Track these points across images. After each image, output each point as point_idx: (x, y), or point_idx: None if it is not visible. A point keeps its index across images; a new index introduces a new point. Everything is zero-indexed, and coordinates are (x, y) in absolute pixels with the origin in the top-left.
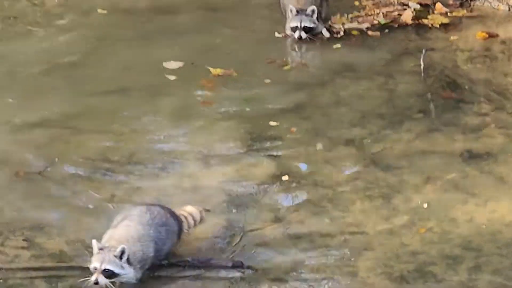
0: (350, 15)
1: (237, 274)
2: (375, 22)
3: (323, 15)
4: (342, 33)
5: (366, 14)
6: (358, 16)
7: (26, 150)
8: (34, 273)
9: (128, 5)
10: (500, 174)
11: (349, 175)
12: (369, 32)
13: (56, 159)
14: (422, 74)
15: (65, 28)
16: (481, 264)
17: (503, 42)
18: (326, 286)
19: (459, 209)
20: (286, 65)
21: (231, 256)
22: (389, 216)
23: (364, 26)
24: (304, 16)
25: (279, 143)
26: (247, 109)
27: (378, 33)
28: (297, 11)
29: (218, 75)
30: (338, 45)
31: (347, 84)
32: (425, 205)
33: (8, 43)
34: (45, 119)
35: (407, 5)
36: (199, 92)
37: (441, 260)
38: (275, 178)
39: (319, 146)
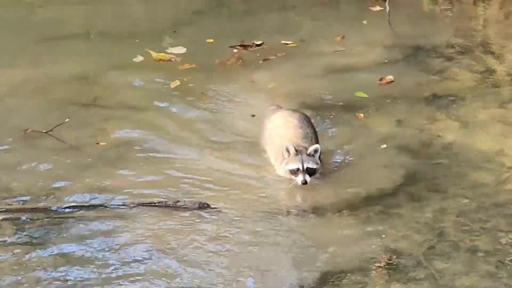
0: None
1: None
2: None
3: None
4: None
5: None
6: None
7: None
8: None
9: None
10: (463, 116)
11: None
12: None
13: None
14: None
15: None
16: (446, 206)
17: None
18: (295, 222)
19: (423, 150)
20: None
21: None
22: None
23: None
24: (305, 156)
25: None
26: None
27: None
28: (296, 150)
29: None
30: None
31: None
32: (384, 146)
33: None
34: None
35: None
36: None
37: (407, 202)
38: None
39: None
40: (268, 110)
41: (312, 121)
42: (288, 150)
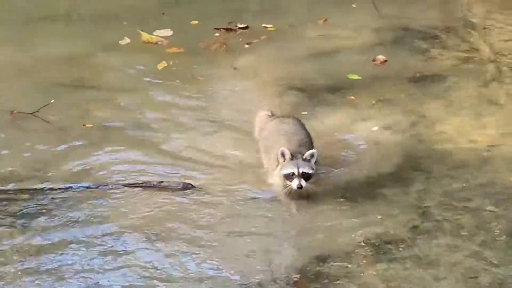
0: None
1: None
2: None
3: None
4: None
5: None
6: None
7: None
8: None
9: None
10: (448, 96)
11: None
12: None
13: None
14: None
15: None
16: (430, 185)
17: None
18: (279, 206)
19: (409, 131)
20: None
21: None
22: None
23: None
24: (301, 161)
25: None
26: None
27: None
28: (292, 155)
29: None
30: None
31: None
32: (375, 128)
33: None
34: None
35: None
36: None
37: (392, 182)
38: None
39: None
40: (260, 115)
41: (303, 103)
42: (283, 155)
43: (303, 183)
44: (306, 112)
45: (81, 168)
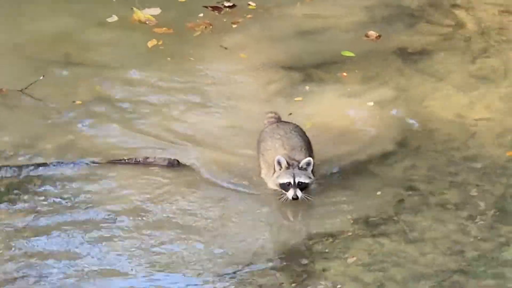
0: None
1: None
2: None
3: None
4: None
5: None
6: None
7: None
8: None
9: None
10: (436, 71)
11: None
12: None
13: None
14: None
15: None
16: (416, 160)
17: None
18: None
19: (396, 106)
20: None
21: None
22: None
23: None
24: (297, 170)
25: None
26: None
27: None
28: (288, 164)
29: None
30: None
31: None
32: (371, 104)
33: None
34: None
35: None
36: None
37: (379, 158)
38: None
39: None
40: (267, 117)
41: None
42: (279, 163)
43: (299, 193)
44: (300, 98)
45: (69, 145)
